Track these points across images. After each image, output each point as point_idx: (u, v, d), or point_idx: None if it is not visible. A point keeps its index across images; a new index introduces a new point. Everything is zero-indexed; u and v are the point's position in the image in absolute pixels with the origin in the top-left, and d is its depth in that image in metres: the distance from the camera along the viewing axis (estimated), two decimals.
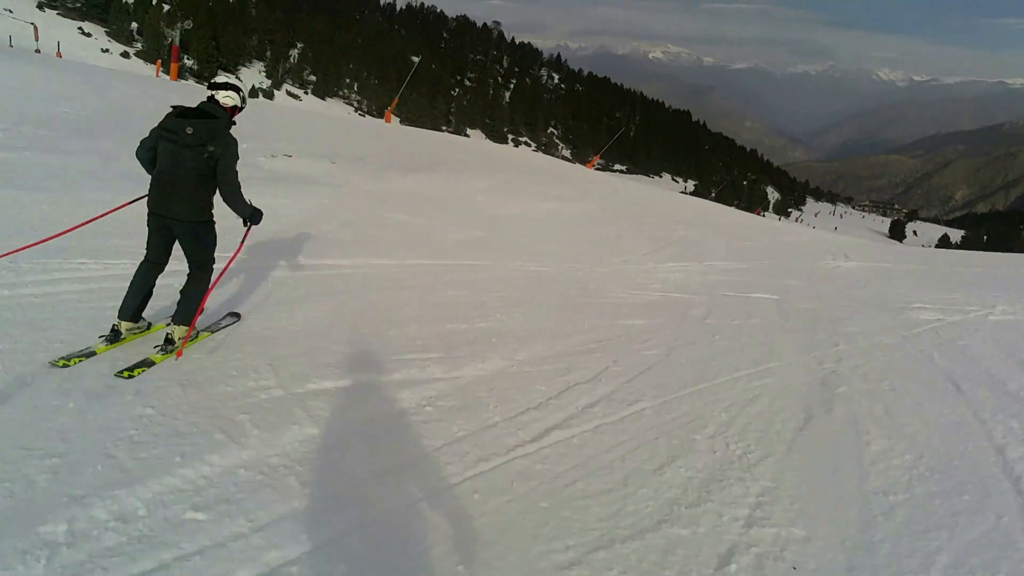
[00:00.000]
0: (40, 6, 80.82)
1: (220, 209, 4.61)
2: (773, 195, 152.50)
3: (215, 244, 4.61)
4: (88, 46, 75.53)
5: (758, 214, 71.22)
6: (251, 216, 4.65)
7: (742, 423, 4.54)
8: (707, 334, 6.98)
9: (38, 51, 40.51)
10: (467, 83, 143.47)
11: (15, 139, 11.94)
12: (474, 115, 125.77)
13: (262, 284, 6.55)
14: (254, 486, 3.07)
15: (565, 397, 4.62)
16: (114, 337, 4.41)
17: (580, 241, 13.70)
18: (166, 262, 4.59)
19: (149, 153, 4.41)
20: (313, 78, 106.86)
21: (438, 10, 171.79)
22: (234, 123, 4.58)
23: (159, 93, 25.85)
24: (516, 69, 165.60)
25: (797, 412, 4.87)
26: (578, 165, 66.06)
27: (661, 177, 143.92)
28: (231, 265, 5.60)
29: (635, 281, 10.09)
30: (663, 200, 31.08)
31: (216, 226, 4.60)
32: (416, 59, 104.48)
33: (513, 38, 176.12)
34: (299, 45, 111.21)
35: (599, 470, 3.64)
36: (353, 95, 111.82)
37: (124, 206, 5.32)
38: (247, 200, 4.54)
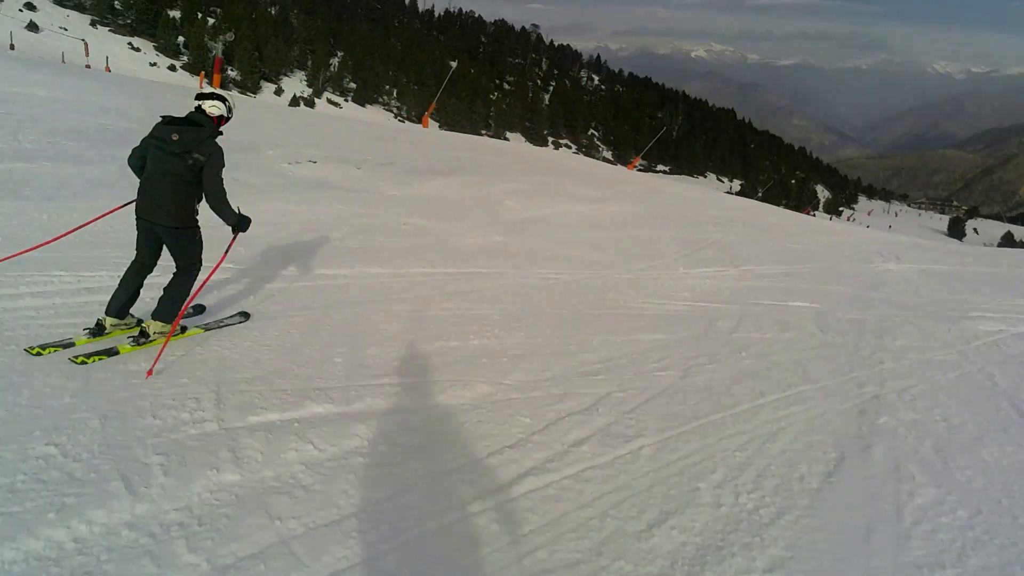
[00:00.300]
0: (93, 23, 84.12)
1: (212, 218, 4.51)
2: (823, 194, 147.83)
3: (201, 248, 4.69)
4: (137, 60, 78.03)
5: (807, 214, 68.79)
6: (238, 223, 4.69)
7: (759, 466, 3.81)
8: (732, 351, 6.23)
9: (88, 66, 41.95)
10: (506, 87, 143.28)
11: (41, 150, 11.97)
12: (513, 118, 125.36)
13: (246, 296, 6.15)
14: (131, 554, 2.53)
15: (551, 432, 3.98)
16: (98, 331, 4.52)
17: (608, 245, 12.99)
18: (154, 264, 4.70)
19: (139, 161, 4.57)
20: (353, 86, 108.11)
21: (476, 15, 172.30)
22: (220, 132, 4.66)
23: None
24: (555, 72, 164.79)
25: (828, 451, 4.12)
26: (619, 167, 65.10)
27: (705, 177, 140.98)
28: (216, 273, 5.32)
29: (661, 288, 9.35)
30: (703, 200, 29.91)
31: (201, 232, 4.67)
32: (453, 64, 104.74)
33: (552, 40, 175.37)
34: (339, 53, 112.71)
35: (570, 532, 2.98)
36: (393, 101, 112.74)
37: (111, 212, 5.41)
38: (234, 208, 4.59)
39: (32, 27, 71.10)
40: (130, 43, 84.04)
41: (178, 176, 4.38)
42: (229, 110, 4.75)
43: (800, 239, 18.09)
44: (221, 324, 5.21)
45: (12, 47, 45.82)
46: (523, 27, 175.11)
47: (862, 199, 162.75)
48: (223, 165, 4.51)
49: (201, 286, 4.76)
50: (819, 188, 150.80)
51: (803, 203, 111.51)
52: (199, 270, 4.73)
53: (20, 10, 75.20)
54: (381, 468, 3.37)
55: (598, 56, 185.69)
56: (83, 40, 57.71)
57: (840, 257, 14.95)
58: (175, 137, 4.37)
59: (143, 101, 21.13)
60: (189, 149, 4.36)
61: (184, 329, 4.91)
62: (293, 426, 3.67)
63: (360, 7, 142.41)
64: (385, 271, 8.19)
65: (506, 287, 8.25)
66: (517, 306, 7.25)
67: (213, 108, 4.64)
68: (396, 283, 7.63)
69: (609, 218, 17.01)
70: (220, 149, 4.51)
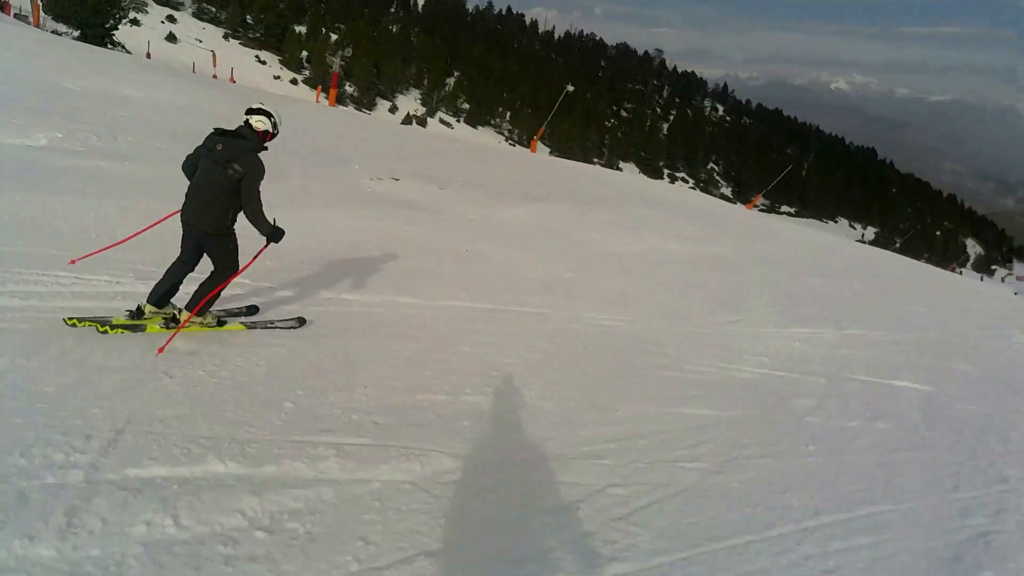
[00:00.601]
0: (226, 36, 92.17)
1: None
2: (974, 249, 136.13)
3: (236, 253, 5.14)
4: (262, 73, 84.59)
5: (951, 270, 63.10)
6: (271, 235, 5.01)
7: None
8: (797, 441, 5.11)
9: (215, 76, 45.42)
10: (624, 113, 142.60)
11: (132, 149, 12.74)
12: (628, 148, 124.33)
13: (251, 315, 5.88)
14: None
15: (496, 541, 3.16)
16: (136, 315, 5.03)
17: (693, 290, 11.88)
18: (195, 263, 5.17)
19: (192, 168, 5.06)
20: (467, 106, 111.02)
21: (597, 38, 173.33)
22: (265, 148, 5.08)
23: (308, 116, 27.39)
24: (677, 100, 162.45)
25: None
26: (738, 205, 62.48)
27: (836, 222, 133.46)
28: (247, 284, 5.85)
29: (736, 348, 8.21)
30: (823, 247, 27.71)
31: (237, 239, 5.10)
32: (570, 87, 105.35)
33: (676, 67, 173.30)
34: (456, 73, 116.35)
35: None
36: (505, 124, 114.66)
37: (163, 220, 5.77)
38: (269, 220, 4.97)
39: (171, 38, 78.74)
40: (257, 56, 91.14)
41: (218, 185, 4.81)
42: (274, 126, 5.14)
43: (929, 300, 16.04)
44: (271, 325, 5.59)
45: (148, 55, 50.27)
46: (646, 52, 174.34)
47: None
48: (261, 178, 4.90)
49: (222, 286, 5.10)
50: (969, 242, 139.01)
51: (948, 258, 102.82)
52: (234, 272, 5.20)
53: (162, 22, 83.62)
54: (237, 566, 2.69)
55: (724, 85, 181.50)
56: (212, 51, 62.79)
57: (976, 326, 13.01)
58: (219, 147, 4.83)
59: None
60: (230, 160, 4.78)
61: (222, 323, 5.38)
62: (171, 488, 3.09)
63: (481, 27, 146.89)
64: (416, 301, 7.62)
65: (547, 331, 7.45)
66: (548, 355, 6.44)
67: (259, 123, 5.04)
68: (419, 316, 7.03)
69: (707, 260, 15.79)
70: (260, 162, 4.89)
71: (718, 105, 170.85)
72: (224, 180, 4.79)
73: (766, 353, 8.15)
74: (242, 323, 5.53)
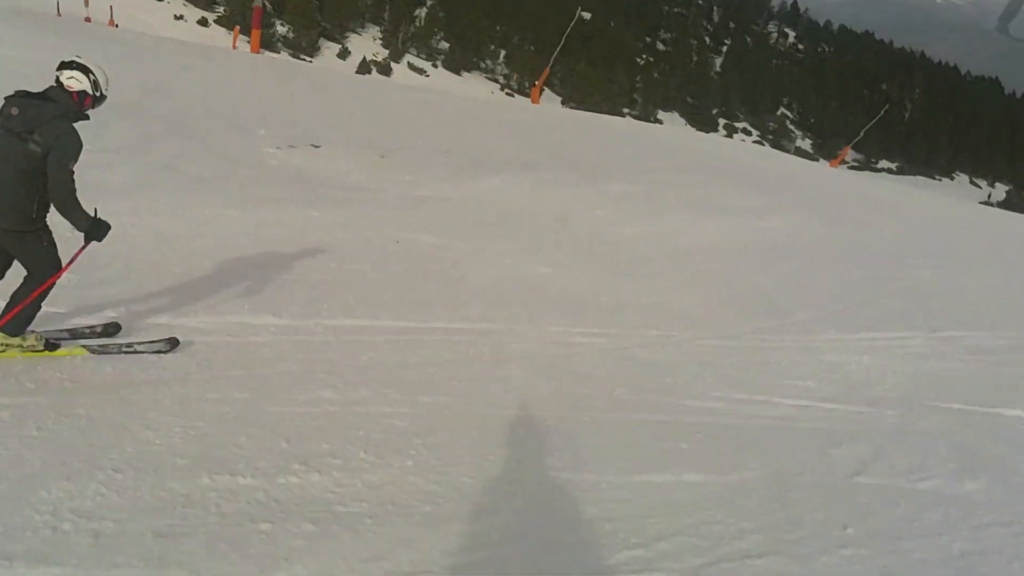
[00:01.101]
0: None
1: None
2: None
3: (50, 254, 5.16)
4: (158, 12, 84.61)
5: None
6: (90, 230, 5.00)
7: None
8: (830, 523, 4.41)
9: (88, 20, 44.87)
10: (660, 47, 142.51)
11: None
12: (669, 92, 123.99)
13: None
14: None
15: None
16: None
17: (726, 285, 11.38)
18: (4, 269, 5.17)
19: None
20: (445, 46, 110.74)
21: None
22: (86, 116, 5.10)
23: (216, 69, 26.94)
24: (731, 24, 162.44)
25: None
26: (822, 163, 61.96)
27: (953, 179, 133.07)
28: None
29: (770, 370, 7.70)
30: (932, 215, 27.07)
31: (52, 235, 5.14)
32: (586, 15, 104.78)
33: None
34: (428, 3, 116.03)
35: None
36: (500, 67, 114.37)
37: None
38: (87, 211, 4.97)
39: None
40: None
41: (15, 164, 4.75)
42: (95, 85, 5.06)
43: None
44: (130, 349, 5.58)
45: None
46: None
47: None
48: (75, 154, 4.84)
49: (39, 291, 5.05)
50: None
51: None
52: (54, 272, 5.18)
53: None
54: None
55: (794, 2, 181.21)
56: None
57: None
58: (15, 112, 4.74)
59: (139, 66, 21.64)
60: (31, 129, 4.71)
61: (54, 346, 5.34)
62: None
63: None
64: (279, 322, 6.90)
65: (478, 359, 6.86)
66: (462, 400, 5.76)
67: (72, 81, 4.96)
68: (272, 345, 6.33)
69: (755, 240, 15.31)
70: (72, 132, 4.85)
71: (787, 30, 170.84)
72: (23, 158, 4.74)
73: (814, 374, 7.69)
74: (84, 347, 5.47)
